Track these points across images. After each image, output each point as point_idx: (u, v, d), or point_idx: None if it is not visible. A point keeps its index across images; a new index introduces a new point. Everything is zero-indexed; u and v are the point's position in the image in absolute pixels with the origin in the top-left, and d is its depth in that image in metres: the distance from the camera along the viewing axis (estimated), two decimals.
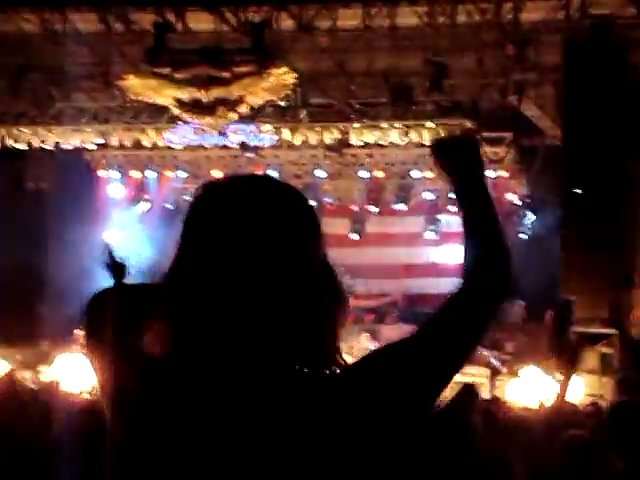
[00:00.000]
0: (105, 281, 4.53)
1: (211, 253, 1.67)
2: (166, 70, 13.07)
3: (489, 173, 14.48)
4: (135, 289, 2.67)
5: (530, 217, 14.45)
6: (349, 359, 1.71)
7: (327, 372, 1.69)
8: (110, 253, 4.59)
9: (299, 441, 1.60)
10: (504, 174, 14.63)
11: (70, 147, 15.04)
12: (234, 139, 14.58)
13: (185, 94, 13.40)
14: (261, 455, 1.60)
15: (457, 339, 1.71)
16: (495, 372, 12.10)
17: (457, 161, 1.91)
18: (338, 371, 1.69)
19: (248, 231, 1.66)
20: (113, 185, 15.87)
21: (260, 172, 14.19)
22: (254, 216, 1.68)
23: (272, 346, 1.65)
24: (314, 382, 1.67)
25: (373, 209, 16.23)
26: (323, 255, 1.73)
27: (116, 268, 4.71)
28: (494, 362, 12.10)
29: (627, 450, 4.34)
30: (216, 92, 13.62)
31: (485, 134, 13.52)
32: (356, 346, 13.28)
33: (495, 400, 9.66)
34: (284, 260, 1.66)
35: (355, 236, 16.36)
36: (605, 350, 11.45)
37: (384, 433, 1.63)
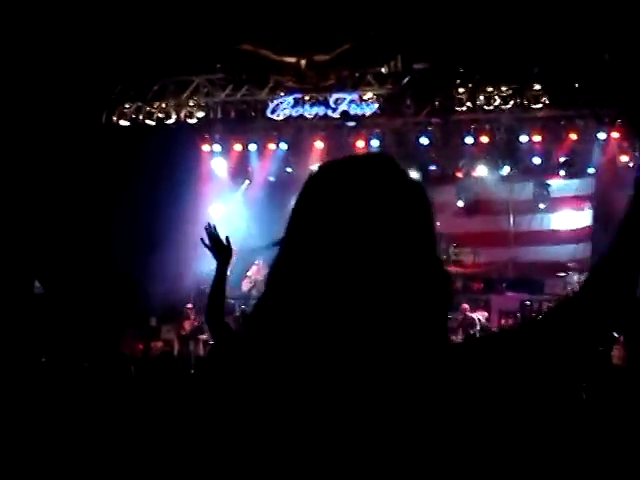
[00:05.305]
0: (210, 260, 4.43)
1: (322, 236, 1.65)
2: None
3: (601, 135, 14.02)
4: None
5: None
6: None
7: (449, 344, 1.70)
8: (213, 234, 4.48)
9: (446, 405, 1.58)
10: (616, 135, 14.07)
11: (173, 121, 15.09)
12: (336, 108, 14.38)
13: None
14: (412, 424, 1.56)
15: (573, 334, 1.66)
16: None
17: None
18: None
19: (362, 214, 1.65)
20: (216, 159, 15.87)
21: (371, 151, 14.08)
22: (369, 200, 1.66)
23: (384, 328, 1.62)
24: (446, 352, 1.66)
25: (479, 175, 15.81)
26: (432, 242, 1.71)
27: (219, 249, 4.61)
28: None
29: None
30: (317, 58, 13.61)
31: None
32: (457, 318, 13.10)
33: None
34: (394, 245, 1.65)
35: (461, 203, 16.01)
36: None
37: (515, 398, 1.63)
